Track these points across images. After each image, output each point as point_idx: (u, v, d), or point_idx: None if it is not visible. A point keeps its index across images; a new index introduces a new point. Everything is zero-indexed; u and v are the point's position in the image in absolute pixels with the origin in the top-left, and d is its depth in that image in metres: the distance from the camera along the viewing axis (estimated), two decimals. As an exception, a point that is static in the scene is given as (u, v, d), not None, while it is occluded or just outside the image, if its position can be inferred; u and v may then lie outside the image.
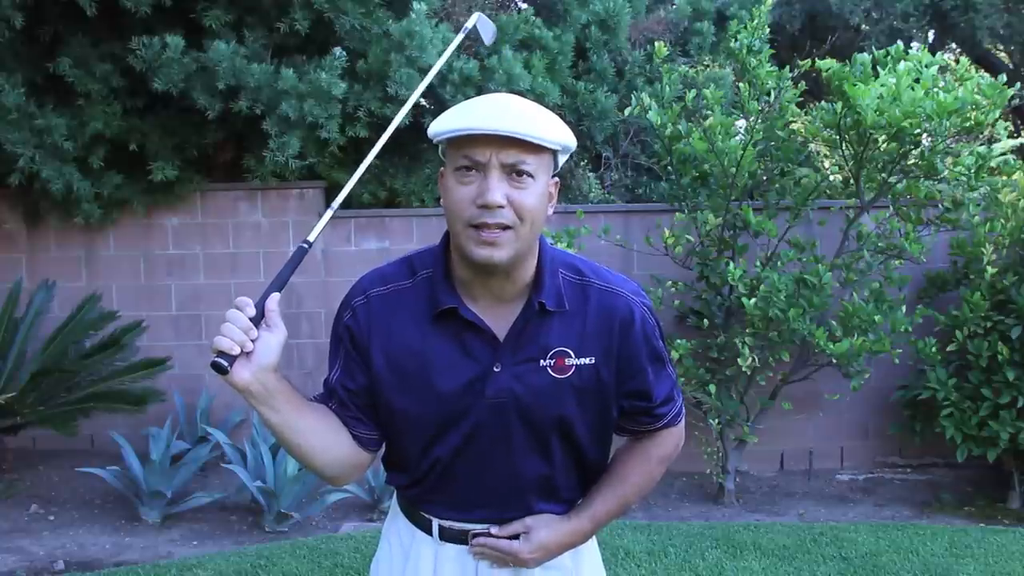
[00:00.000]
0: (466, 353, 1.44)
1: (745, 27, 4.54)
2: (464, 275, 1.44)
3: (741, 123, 4.94)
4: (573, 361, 1.45)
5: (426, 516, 1.55)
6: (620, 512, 1.60)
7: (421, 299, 1.46)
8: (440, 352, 1.44)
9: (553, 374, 1.44)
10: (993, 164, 4.57)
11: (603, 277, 1.50)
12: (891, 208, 4.70)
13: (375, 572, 1.66)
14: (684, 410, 1.64)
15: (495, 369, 1.43)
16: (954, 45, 9.71)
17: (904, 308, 4.53)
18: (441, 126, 1.37)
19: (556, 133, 1.37)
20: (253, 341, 1.36)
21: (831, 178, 5.50)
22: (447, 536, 1.54)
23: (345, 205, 5.43)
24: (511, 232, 1.35)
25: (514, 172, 1.35)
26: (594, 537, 1.65)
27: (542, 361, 1.44)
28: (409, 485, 1.56)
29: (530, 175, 1.36)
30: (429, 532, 1.55)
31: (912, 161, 4.49)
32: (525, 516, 1.52)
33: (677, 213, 4.84)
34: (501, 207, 1.34)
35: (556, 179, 1.46)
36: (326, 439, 1.48)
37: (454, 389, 1.44)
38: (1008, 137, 5.07)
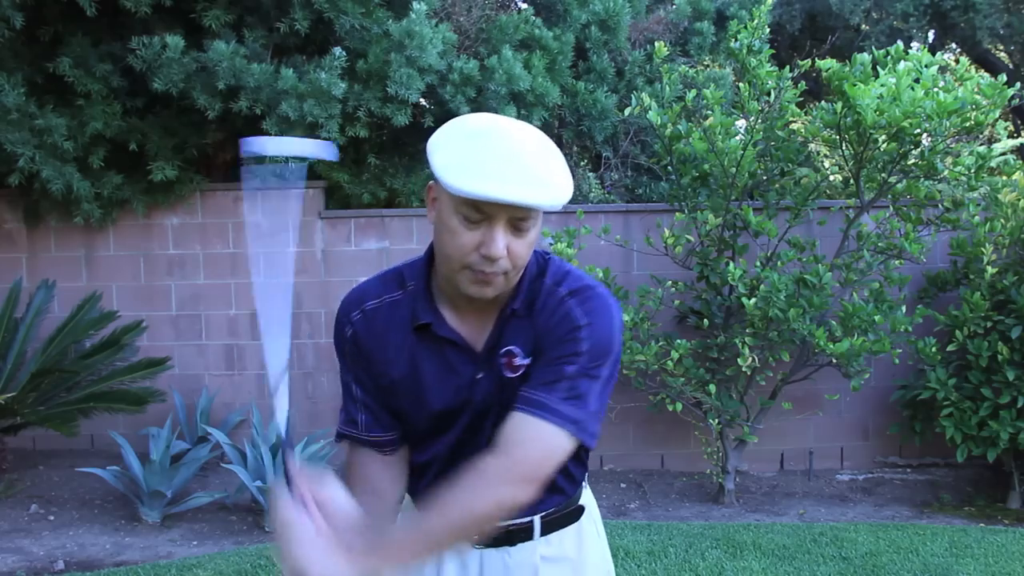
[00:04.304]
0: (450, 368, 1.47)
1: (745, 27, 4.54)
2: (448, 289, 1.46)
3: (741, 123, 4.93)
4: (522, 361, 1.46)
5: None
6: (432, 541, 1.32)
7: (409, 312, 1.49)
8: (427, 369, 1.48)
9: (507, 373, 1.46)
10: (993, 164, 4.58)
11: (571, 286, 1.47)
12: (891, 208, 4.70)
13: None
14: (579, 429, 1.38)
15: (478, 377, 1.47)
16: (954, 45, 9.70)
17: (904, 308, 4.53)
18: (460, 182, 1.29)
19: (567, 192, 1.35)
20: None
21: (831, 178, 5.50)
22: None
23: (344, 205, 5.48)
24: (503, 276, 1.38)
25: (517, 222, 1.36)
26: (602, 526, 1.68)
27: (501, 360, 1.47)
28: (408, 486, 1.58)
29: (532, 224, 1.37)
30: None
31: (912, 161, 4.49)
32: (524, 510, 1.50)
33: (677, 213, 4.84)
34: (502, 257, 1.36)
35: None
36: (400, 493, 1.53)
37: (443, 403, 1.48)
38: (1008, 137, 5.09)
